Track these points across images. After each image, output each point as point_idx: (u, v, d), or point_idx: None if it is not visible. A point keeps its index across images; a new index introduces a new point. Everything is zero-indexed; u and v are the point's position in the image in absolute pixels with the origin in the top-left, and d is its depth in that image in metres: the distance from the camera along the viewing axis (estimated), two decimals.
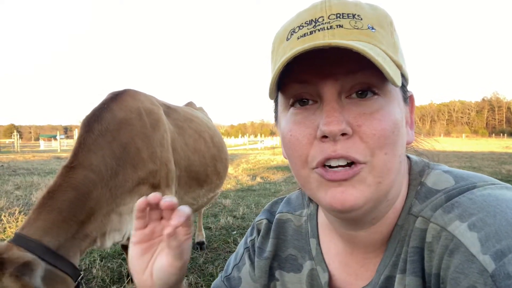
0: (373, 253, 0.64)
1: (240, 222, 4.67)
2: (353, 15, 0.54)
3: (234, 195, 6.77)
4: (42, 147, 37.06)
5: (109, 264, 3.24)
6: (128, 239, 2.05)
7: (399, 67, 0.55)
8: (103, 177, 1.97)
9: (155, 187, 2.30)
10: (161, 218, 0.63)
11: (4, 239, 3.80)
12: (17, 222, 4.36)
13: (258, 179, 9.01)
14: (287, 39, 0.57)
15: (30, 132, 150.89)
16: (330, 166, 0.54)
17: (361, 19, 0.54)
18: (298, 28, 0.55)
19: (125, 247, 2.65)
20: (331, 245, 0.71)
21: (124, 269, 3.08)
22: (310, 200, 0.78)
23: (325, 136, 0.53)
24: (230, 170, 10.34)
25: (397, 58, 0.55)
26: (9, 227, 4.17)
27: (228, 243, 3.84)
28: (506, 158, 15.60)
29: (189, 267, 3.21)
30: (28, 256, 1.48)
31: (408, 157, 0.67)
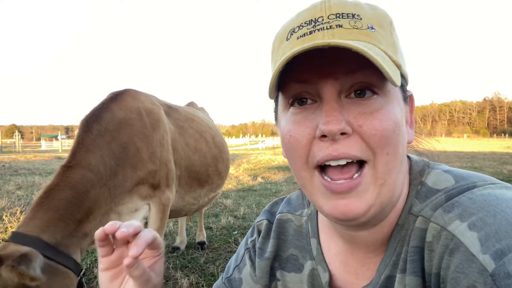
0: (373, 252, 0.64)
1: (241, 222, 4.67)
2: (353, 15, 0.54)
3: (235, 195, 6.77)
4: (43, 147, 37.10)
5: None
6: None
7: (398, 67, 0.55)
8: (102, 177, 1.98)
9: (155, 187, 2.31)
10: (128, 242, 0.60)
11: (6, 239, 3.81)
12: (18, 222, 4.36)
13: (259, 179, 9.01)
14: (287, 39, 0.57)
15: (32, 132, 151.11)
16: (330, 166, 0.54)
17: (361, 19, 0.54)
18: (298, 28, 0.56)
19: None
20: (332, 245, 0.71)
21: None
22: None
23: (324, 136, 0.53)
24: (231, 170, 10.35)
25: (396, 58, 0.55)
26: (11, 227, 4.18)
27: (229, 243, 3.84)
28: (508, 158, 15.57)
29: (190, 266, 3.21)
30: (24, 248, 1.48)
31: (408, 157, 0.67)
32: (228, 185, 7.92)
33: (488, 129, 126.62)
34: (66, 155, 2.07)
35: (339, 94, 0.54)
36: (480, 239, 0.47)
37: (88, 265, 3.19)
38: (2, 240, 3.79)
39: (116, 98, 2.33)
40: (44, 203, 1.74)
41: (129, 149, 2.17)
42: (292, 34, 0.56)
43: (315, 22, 0.54)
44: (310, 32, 0.54)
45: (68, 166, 1.91)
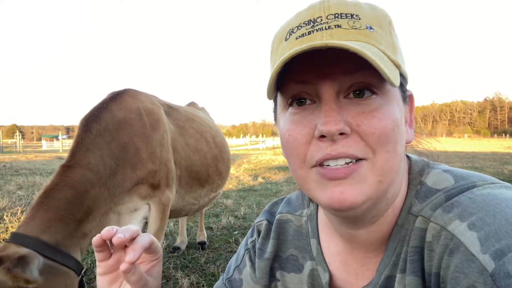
0: (373, 252, 0.64)
1: (242, 222, 4.67)
2: (352, 15, 0.54)
3: (236, 195, 6.77)
4: (44, 147, 37.18)
5: None
6: None
7: (398, 66, 0.55)
8: (101, 177, 1.97)
9: (155, 187, 2.31)
10: (125, 246, 0.60)
11: (6, 239, 3.81)
12: (19, 222, 4.36)
13: (260, 179, 9.01)
14: (286, 39, 0.57)
15: (32, 133, 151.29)
16: (328, 166, 0.54)
17: (360, 19, 0.54)
18: (296, 28, 0.55)
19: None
20: (332, 245, 0.71)
21: None
22: (310, 200, 0.78)
23: (323, 136, 0.53)
24: (232, 170, 10.35)
25: (395, 57, 0.55)
26: (11, 227, 4.18)
27: (230, 243, 3.84)
28: (508, 158, 15.55)
29: (191, 266, 3.21)
30: (23, 250, 1.48)
31: (408, 157, 0.67)
32: (229, 185, 7.92)
33: (489, 129, 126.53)
34: (66, 155, 2.06)
35: (337, 95, 0.54)
36: (480, 239, 0.47)
37: (89, 265, 3.19)
38: (3, 240, 3.80)
39: (115, 98, 2.33)
40: (44, 203, 1.74)
41: (128, 149, 2.17)
42: (291, 35, 0.56)
43: (314, 23, 0.54)
44: (309, 33, 0.54)
45: (68, 166, 1.91)
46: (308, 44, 0.49)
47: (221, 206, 5.64)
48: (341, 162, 0.53)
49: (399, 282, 0.58)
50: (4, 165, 12.61)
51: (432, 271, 0.53)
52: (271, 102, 0.68)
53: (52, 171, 10.76)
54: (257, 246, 0.81)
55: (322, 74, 0.53)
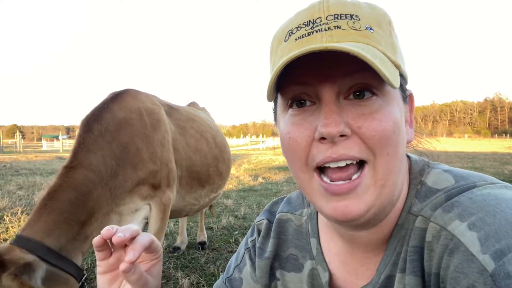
0: (373, 252, 0.64)
1: (242, 222, 4.68)
2: (351, 16, 0.54)
3: (236, 195, 6.77)
4: (44, 147, 37.17)
5: None
6: None
7: (397, 67, 0.55)
8: (103, 177, 1.97)
9: (155, 187, 2.30)
10: (125, 245, 0.60)
11: (7, 239, 3.81)
12: (19, 222, 4.37)
13: (260, 180, 9.01)
14: (285, 40, 0.56)
15: (33, 133, 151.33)
16: (329, 168, 0.54)
17: (359, 19, 0.54)
18: (296, 29, 0.55)
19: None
20: (331, 245, 0.71)
21: None
22: None
23: (323, 138, 0.53)
24: (232, 170, 10.34)
25: (395, 58, 0.55)
26: (12, 227, 4.18)
27: (230, 243, 3.85)
28: (509, 158, 15.54)
29: (191, 266, 3.21)
30: (29, 257, 1.48)
31: (408, 156, 0.67)
32: (229, 185, 7.92)
33: (489, 129, 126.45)
34: (67, 155, 2.07)
35: (337, 96, 0.54)
36: (480, 239, 0.47)
37: (89, 265, 3.20)
38: (3, 241, 3.79)
39: (116, 98, 2.33)
40: (48, 205, 1.73)
41: (129, 149, 2.17)
42: (291, 35, 0.56)
43: (313, 23, 0.54)
44: (308, 34, 0.53)
45: (70, 167, 1.91)
46: (308, 47, 0.49)
47: (222, 206, 5.64)
48: (342, 163, 0.53)
49: (399, 281, 0.58)
50: (4, 165, 12.61)
51: (432, 271, 0.53)
52: (271, 102, 0.68)
53: (52, 171, 10.77)
54: (257, 245, 0.81)
55: (322, 76, 0.53)
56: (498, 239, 0.46)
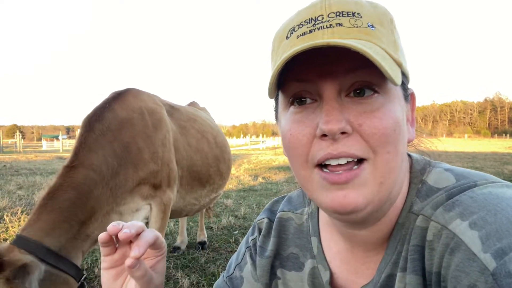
0: (374, 251, 0.64)
1: (242, 222, 4.68)
2: (353, 13, 0.54)
3: (236, 195, 6.78)
4: (44, 147, 37.15)
5: None
6: None
7: (399, 65, 0.55)
8: (104, 177, 1.97)
9: (156, 187, 2.30)
10: (130, 241, 0.61)
11: (7, 239, 3.81)
12: (19, 222, 4.37)
13: (260, 179, 9.01)
14: (287, 38, 0.56)
15: (33, 133, 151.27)
16: (330, 165, 0.54)
17: (361, 17, 0.54)
18: (297, 26, 0.55)
19: None
20: (332, 243, 0.71)
21: None
22: None
23: (325, 135, 0.53)
24: (232, 170, 10.33)
25: (397, 56, 0.55)
26: (12, 226, 4.18)
27: (230, 243, 3.85)
28: (509, 158, 15.54)
29: (191, 266, 3.21)
30: (27, 258, 1.47)
31: (409, 155, 0.67)
32: (229, 185, 7.92)
33: (489, 129, 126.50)
34: (67, 155, 2.07)
35: (339, 93, 0.54)
36: (481, 238, 0.47)
37: (89, 265, 3.20)
38: (3, 240, 3.79)
39: (118, 97, 2.33)
40: (48, 204, 1.73)
41: (131, 149, 2.17)
42: (292, 33, 0.56)
43: (315, 21, 0.54)
44: (310, 31, 0.53)
45: (71, 167, 1.91)
46: (310, 43, 0.49)
47: (222, 206, 5.65)
48: (343, 161, 0.53)
49: (400, 280, 0.58)
50: (4, 165, 12.61)
51: (433, 270, 0.53)
52: (272, 101, 0.67)
53: (52, 171, 10.77)
54: (258, 244, 0.81)
55: (324, 73, 0.53)
56: (499, 238, 0.46)
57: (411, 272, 0.56)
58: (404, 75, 0.58)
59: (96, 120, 2.13)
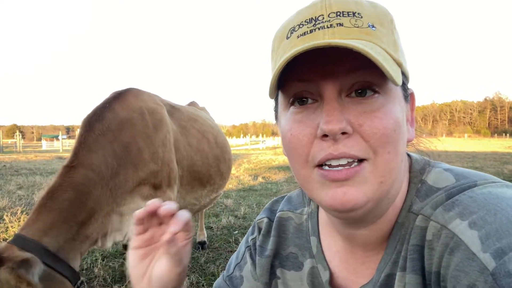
0: (373, 251, 0.64)
1: (242, 222, 4.68)
2: (353, 13, 0.54)
3: (236, 195, 6.77)
4: (44, 147, 37.13)
5: (110, 264, 3.24)
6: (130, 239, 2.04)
7: (399, 65, 0.55)
8: (104, 177, 1.96)
9: (156, 187, 2.30)
10: (161, 223, 0.63)
11: (6, 239, 3.81)
12: (19, 221, 4.36)
13: (260, 179, 9.01)
14: (287, 38, 0.56)
15: (33, 132, 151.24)
16: (330, 166, 0.54)
17: (361, 17, 0.54)
18: (298, 26, 0.55)
19: (126, 247, 2.65)
20: (332, 243, 0.71)
21: (125, 268, 3.09)
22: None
23: (325, 135, 0.53)
24: (232, 170, 10.34)
25: (397, 56, 0.55)
26: (11, 226, 4.18)
27: (230, 242, 3.85)
28: (509, 158, 15.54)
29: (191, 266, 3.21)
30: (27, 254, 1.48)
31: (408, 155, 0.67)
32: (229, 185, 7.92)
33: (489, 129, 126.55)
34: (67, 155, 2.06)
35: (339, 93, 0.54)
36: (480, 237, 0.47)
37: (89, 265, 3.20)
38: (3, 240, 3.79)
39: (118, 97, 2.33)
40: (47, 204, 1.73)
41: (131, 149, 2.16)
42: (292, 33, 0.56)
43: (316, 21, 0.54)
44: (311, 31, 0.53)
45: (71, 167, 1.90)
46: (311, 43, 0.49)
47: (221, 205, 5.65)
48: (343, 161, 0.53)
49: (399, 280, 0.58)
50: (4, 165, 12.61)
51: (432, 269, 0.53)
52: (272, 101, 0.67)
53: (52, 171, 10.76)
54: (258, 243, 0.81)
55: (324, 73, 0.53)
56: (499, 238, 0.46)
57: (410, 272, 0.56)
58: (404, 75, 0.59)
59: (96, 120, 2.12)
